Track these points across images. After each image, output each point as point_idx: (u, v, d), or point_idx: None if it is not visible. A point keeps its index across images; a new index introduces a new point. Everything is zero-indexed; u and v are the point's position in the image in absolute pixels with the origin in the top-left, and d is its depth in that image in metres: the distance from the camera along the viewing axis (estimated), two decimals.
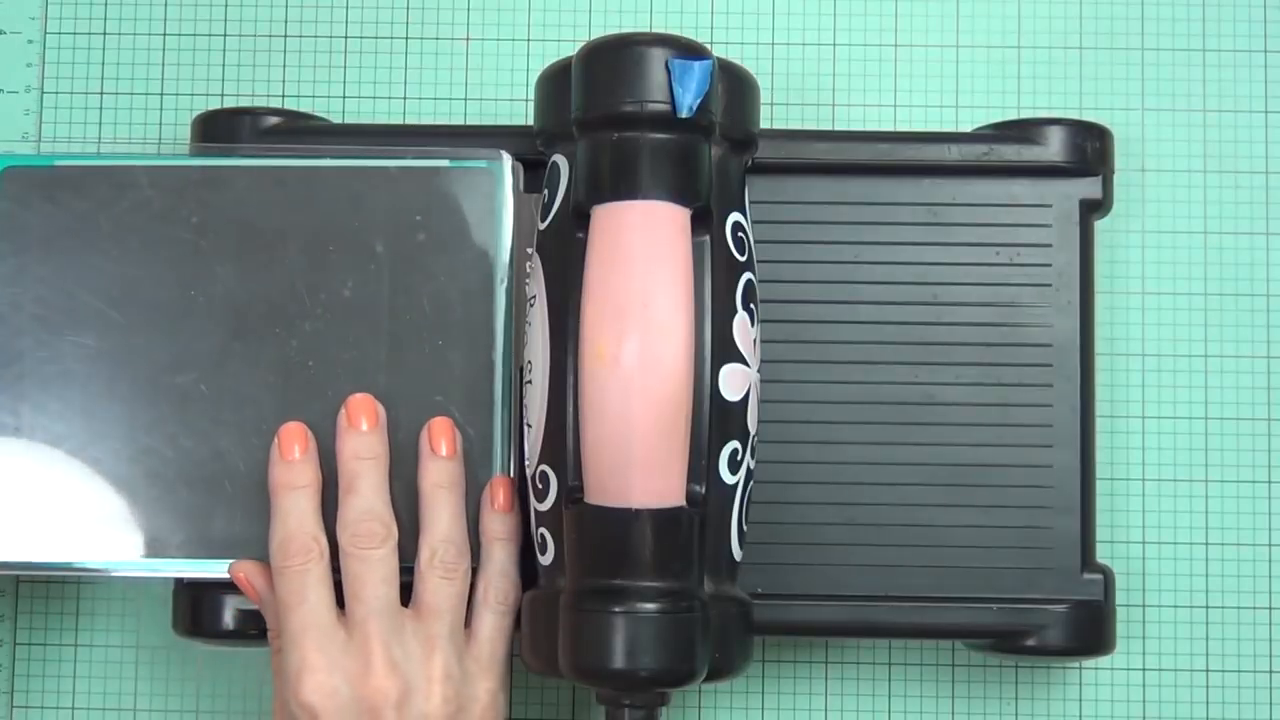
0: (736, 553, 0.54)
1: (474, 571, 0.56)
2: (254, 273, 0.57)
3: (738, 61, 0.56)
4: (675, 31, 0.61)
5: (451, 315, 0.57)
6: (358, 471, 0.55)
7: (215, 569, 0.56)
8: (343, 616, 0.53)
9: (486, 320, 0.57)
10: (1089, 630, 0.58)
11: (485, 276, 0.57)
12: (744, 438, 0.54)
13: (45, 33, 0.66)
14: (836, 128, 0.65)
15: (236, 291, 0.57)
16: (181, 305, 0.57)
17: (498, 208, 0.57)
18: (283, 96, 0.65)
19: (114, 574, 0.57)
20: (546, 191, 0.55)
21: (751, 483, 0.55)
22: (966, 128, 0.64)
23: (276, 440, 0.55)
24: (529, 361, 0.55)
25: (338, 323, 0.57)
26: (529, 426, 0.55)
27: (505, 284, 0.57)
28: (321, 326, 0.57)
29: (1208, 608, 0.63)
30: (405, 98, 0.66)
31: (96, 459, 0.57)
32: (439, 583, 0.54)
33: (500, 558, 0.56)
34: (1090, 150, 0.59)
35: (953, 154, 0.59)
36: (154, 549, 0.57)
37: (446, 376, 0.57)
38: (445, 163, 0.58)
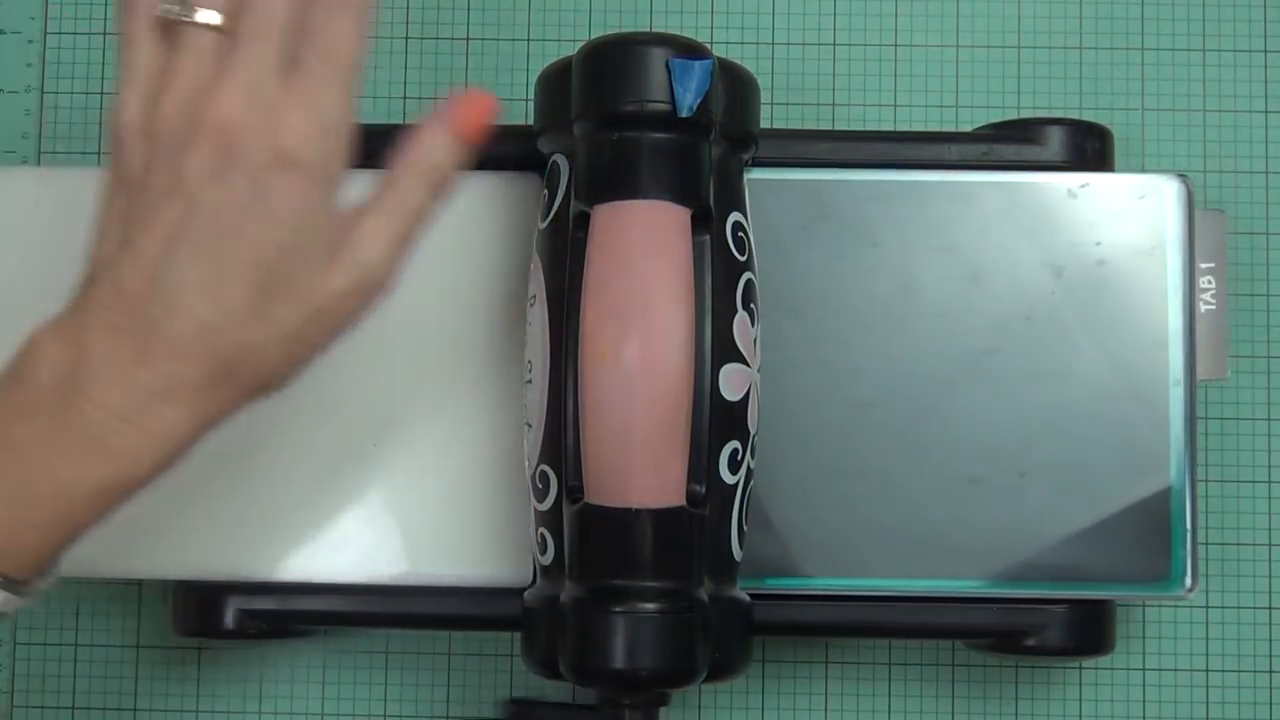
0: (736, 553, 0.54)
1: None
2: (929, 288, 0.57)
3: (738, 61, 0.56)
4: (675, 31, 0.61)
5: (1122, 331, 0.57)
6: None
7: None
8: None
9: (1159, 337, 0.57)
10: (1089, 630, 0.58)
11: (1158, 292, 0.57)
12: (744, 438, 0.54)
13: (45, 33, 0.66)
14: (836, 128, 0.65)
15: (922, 305, 0.57)
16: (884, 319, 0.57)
17: (1170, 226, 0.57)
18: None
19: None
20: (546, 191, 0.55)
21: (752, 482, 0.55)
22: (966, 128, 0.64)
23: None
24: (529, 361, 0.55)
25: (1020, 343, 0.57)
26: (529, 426, 0.55)
27: (1181, 304, 0.57)
28: (999, 347, 0.57)
29: (1208, 608, 0.63)
30: (405, 98, 0.66)
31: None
32: None
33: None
34: (1090, 150, 0.59)
35: (953, 154, 0.59)
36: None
37: (1120, 390, 0.56)
38: (1129, 177, 0.58)
